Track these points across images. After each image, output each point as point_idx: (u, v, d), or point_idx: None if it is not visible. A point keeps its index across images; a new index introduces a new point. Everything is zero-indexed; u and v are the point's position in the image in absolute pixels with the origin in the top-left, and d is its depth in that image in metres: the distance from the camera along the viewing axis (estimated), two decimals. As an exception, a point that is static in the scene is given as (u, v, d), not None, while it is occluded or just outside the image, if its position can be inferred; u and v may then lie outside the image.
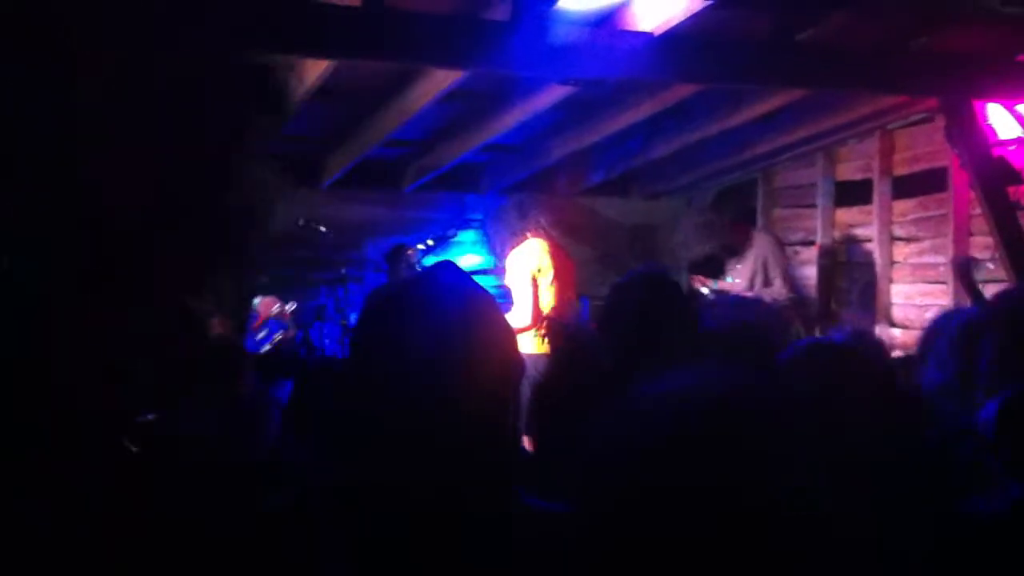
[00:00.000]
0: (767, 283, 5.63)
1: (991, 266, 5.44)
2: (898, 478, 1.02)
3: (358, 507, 1.14)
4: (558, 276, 5.37)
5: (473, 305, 1.28)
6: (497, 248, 5.54)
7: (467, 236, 7.07)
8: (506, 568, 1.14)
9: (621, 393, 1.04)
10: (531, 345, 5.28)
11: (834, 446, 0.93)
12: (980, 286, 5.08)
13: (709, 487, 0.86)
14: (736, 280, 5.72)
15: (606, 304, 2.33)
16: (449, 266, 1.30)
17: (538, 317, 5.24)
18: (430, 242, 6.15)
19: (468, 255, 6.77)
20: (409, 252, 6.09)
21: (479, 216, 6.76)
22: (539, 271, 5.27)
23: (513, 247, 5.34)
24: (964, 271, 4.86)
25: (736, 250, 5.71)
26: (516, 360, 1.32)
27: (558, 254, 5.47)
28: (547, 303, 5.32)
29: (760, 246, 5.70)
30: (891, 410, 1.07)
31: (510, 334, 1.32)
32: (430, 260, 6.19)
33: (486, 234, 5.75)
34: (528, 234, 5.39)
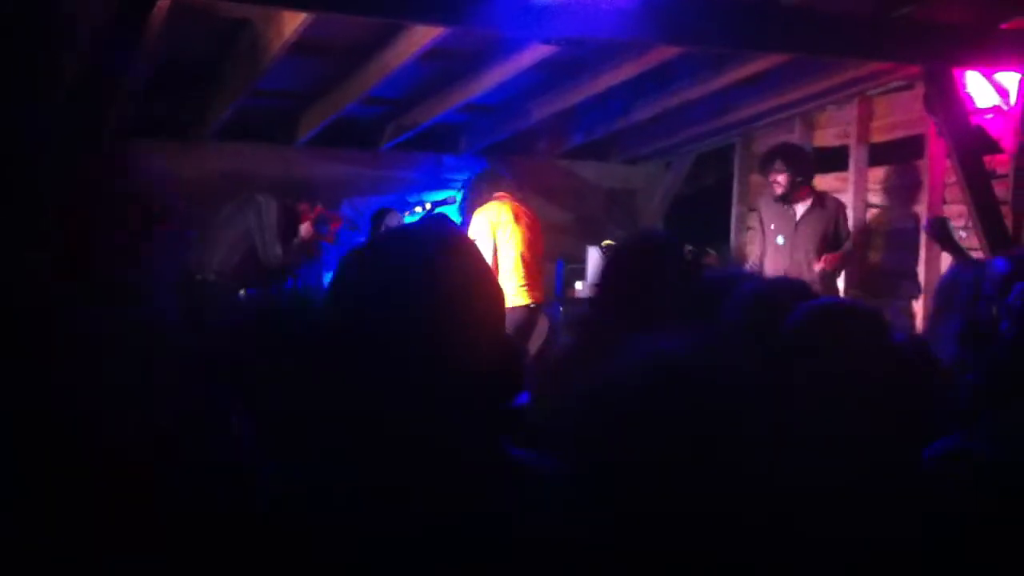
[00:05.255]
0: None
1: (964, 234, 5.48)
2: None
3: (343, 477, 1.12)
4: (520, 238, 5.43)
5: (458, 257, 1.26)
6: (467, 209, 5.59)
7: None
8: (491, 519, 1.14)
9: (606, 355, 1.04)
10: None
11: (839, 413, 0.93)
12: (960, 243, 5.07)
13: (681, 453, 0.86)
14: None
15: (603, 265, 2.35)
16: (440, 219, 1.29)
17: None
18: (428, 206, 6.08)
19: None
20: (393, 215, 6.05)
21: (460, 178, 6.71)
22: (497, 229, 5.37)
23: (477, 207, 5.44)
24: (940, 231, 4.85)
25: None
26: (500, 313, 1.31)
27: (522, 215, 5.52)
28: (509, 262, 5.39)
29: None
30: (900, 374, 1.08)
31: (497, 288, 1.31)
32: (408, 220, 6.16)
33: (463, 197, 5.77)
34: (494, 195, 5.46)
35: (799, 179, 5.45)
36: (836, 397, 0.92)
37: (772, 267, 5.53)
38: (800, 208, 5.48)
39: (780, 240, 5.55)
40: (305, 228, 5.70)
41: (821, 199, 5.58)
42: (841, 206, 5.66)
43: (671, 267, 2.18)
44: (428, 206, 6.06)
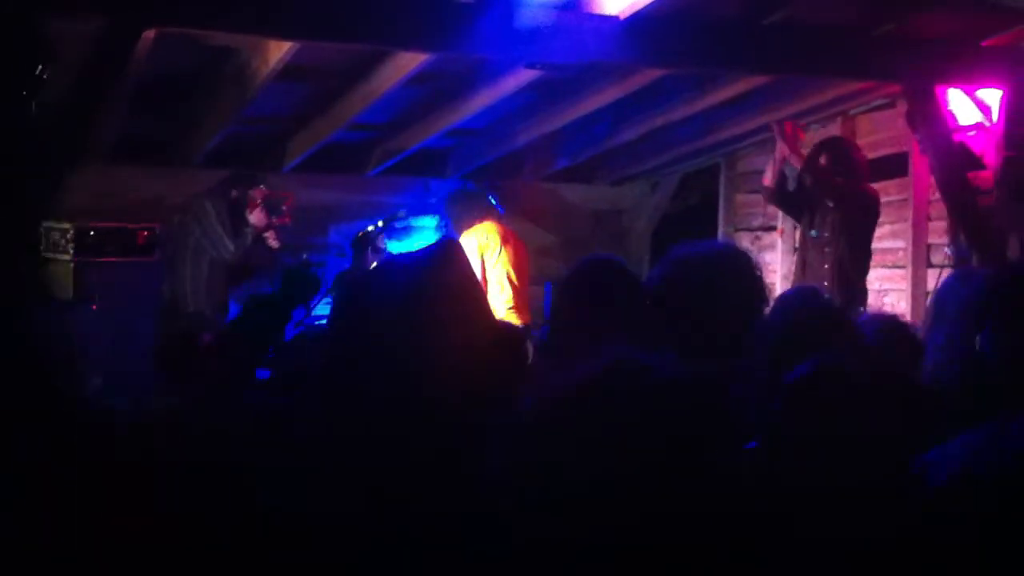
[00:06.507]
0: None
1: (948, 251, 5.50)
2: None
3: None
4: (508, 259, 5.45)
5: (445, 284, 1.28)
6: (452, 230, 5.59)
7: (429, 221, 6.99)
8: (490, 519, 1.15)
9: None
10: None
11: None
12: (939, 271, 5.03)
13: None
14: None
15: (555, 295, 2.42)
16: (445, 246, 1.31)
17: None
18: (380, 224, 5.87)
19: (428, 238, 6.71)
20: (375, 238, 5.99)
21: (435, 199, 6.71)
22: (487, 252, 5.38)
23: (465, 229, 5.44)
24: None
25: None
26: (493, 334, 1.32)
27: (508, 238, 5.54)
28: (497, 285, 5.41)
29: None
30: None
31: (486, 309, 1.33)
32: (390, 243, 6.08)
33: (442, 216, 5.75)
34: (480, 218, 5.47)
35: (840, 169, 5.13)
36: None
37: (804, 259, 5.32)
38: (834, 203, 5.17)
39: (813, 233, 5.33)
40: (256, 216, 5.38)
41: (858, 197, 5.26)
42: (871, 198, 5.32)
43: (619, 288, 2.23)
44: (380, 224, 5.75)
